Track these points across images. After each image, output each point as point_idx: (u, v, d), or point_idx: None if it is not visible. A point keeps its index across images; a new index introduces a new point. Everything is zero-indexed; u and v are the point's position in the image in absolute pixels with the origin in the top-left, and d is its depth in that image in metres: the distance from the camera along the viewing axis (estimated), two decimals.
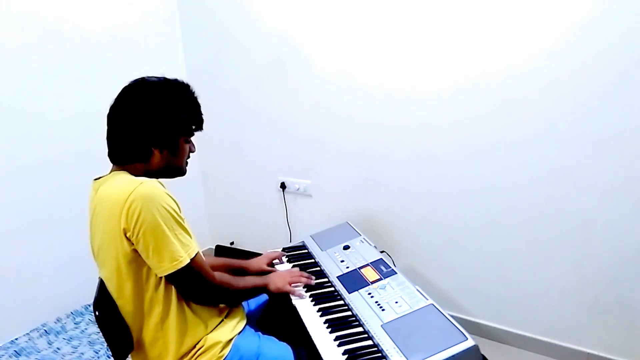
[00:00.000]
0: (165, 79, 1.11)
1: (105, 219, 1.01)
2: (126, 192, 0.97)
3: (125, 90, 1.08)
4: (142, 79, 1.10)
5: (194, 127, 1.14)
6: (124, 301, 1.06)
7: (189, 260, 1.02)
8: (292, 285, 1.37)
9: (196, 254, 1.05)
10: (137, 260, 1.01)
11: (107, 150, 1.09)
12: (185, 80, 1.13)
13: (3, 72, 1.76)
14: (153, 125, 1.05)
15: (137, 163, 1.08)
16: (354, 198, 2.13)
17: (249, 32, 2.17)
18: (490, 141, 1.72)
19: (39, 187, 1.92)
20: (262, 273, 1.48)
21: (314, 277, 1.44)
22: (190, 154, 1.18)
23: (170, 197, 1.03)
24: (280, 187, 2.34)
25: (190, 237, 1.06)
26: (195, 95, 1.14)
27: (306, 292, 1.39)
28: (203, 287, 1.09)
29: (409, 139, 1.89)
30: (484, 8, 1.59)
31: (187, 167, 1.18)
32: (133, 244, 0.99)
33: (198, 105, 1.14)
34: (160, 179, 1.06)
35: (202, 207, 2.73)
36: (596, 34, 1.45)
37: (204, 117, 1.16)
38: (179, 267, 1.01)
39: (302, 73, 2.08)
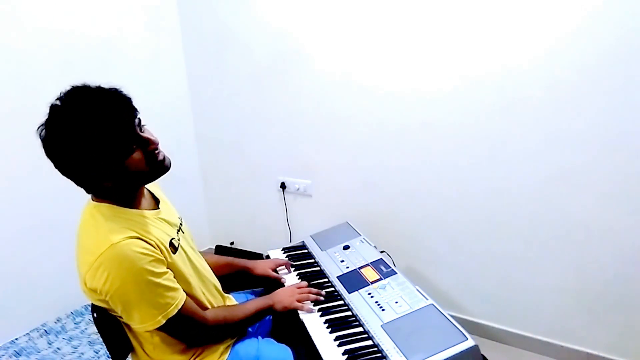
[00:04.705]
0: (80, 102, 0.89)
1: (79, 265, 0.96)
2: (94, 253, 0.90)
3: (49, 122, 0.88)
4: (60, 105, 0.89)
5: (125, 143, 0.91)
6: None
7: (164, 322, 0.95)
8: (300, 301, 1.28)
9: (182, 306, 0.98)
10: None
11: None
12: (112, 90, 0.94)
13: (5, 75, 1.76)
14: (85, 168, 0.90)
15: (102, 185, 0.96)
16: (354, 198, 2.13)
17: (250, 32, 2.17)
18: (491, 142, 1.72)
19: (39, 188, 1.91)
20: (266, 279, 1.46)
21: (323, 292, 1.35)
22: (154, 146, 0.96)
23: (144, 253, 0.91)
24: (280, 187, 2.34)
25: (175, 290, 0.98)
26: (114, 108, 0.90)
27: (314, 305, 1.31)
28: (195, 332, 1.05)
29: (409, 140, 1.89)
30: (485, 9, 1.59)
31: (164, 159, 0.99)
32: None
33: (121, 120, 0.90)
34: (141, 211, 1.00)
35: (202, 207, 2.73)
36: (597, 36, 1.44)
37: (131, 123, 0.92)
38: (151, 329, 0.96)
39: (302, 73, 2.08)
